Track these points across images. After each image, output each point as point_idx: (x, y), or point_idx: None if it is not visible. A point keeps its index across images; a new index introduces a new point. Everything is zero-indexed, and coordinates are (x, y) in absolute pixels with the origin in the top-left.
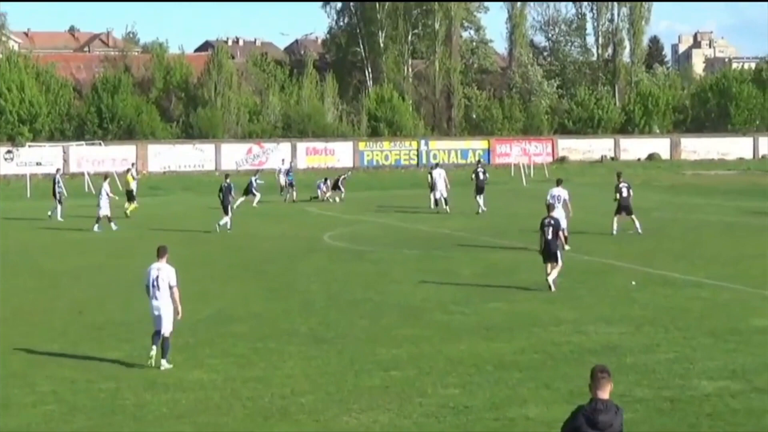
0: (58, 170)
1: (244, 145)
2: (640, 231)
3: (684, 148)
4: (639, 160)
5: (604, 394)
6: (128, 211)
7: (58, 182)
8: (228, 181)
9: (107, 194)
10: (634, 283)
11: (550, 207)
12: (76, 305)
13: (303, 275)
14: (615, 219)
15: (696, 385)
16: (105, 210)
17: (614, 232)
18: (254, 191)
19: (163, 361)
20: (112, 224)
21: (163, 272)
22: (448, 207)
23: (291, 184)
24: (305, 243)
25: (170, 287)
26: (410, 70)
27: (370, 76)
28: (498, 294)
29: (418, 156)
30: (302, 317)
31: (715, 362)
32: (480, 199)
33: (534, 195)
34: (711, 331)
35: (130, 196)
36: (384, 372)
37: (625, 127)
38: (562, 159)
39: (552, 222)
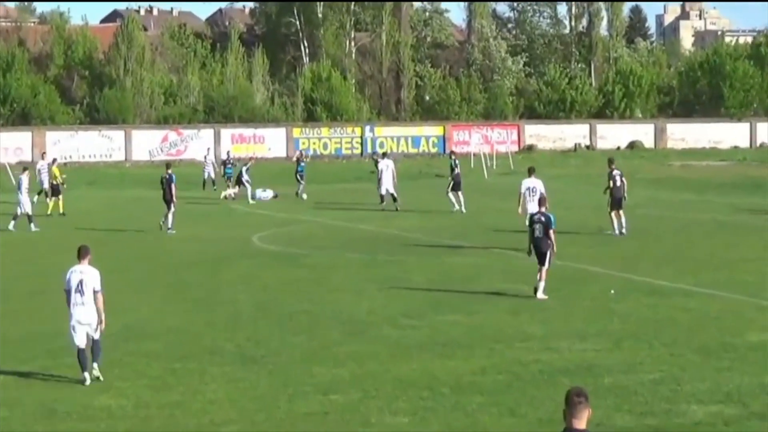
0: None
1: (159, 132)
2: (624, 231)
3: (670, 136)
4: (619, 149)
5: (581, 422)
6: (59, 208)
7: None
8: (170, 171)
9: (26, 189)
10: (613, 291)
11: (542, 200)
12: None
13: (228, 283)
14: (612, 215)
15: (684, 410)
16: (27, 207)
17: (616, 232)
18: (246, 182)
19: (95, 365)
20: (32, 225)
21: (87, 276)
22: (397, 204)
23: (235, 179)
24: (231, 246)
25: (95, 292)
26: (353, 44)
27: (307, 51)
28: (455, 304)
29: (362, 144)
30: (227, 332)
31: (706, 383)
32: (455, 197)
33: (497, 190)
34: (701, 347)
35: (55, 191)
36: (323, 396)
37: (603, 111)
38: (530, 148)
39: (542, 218)
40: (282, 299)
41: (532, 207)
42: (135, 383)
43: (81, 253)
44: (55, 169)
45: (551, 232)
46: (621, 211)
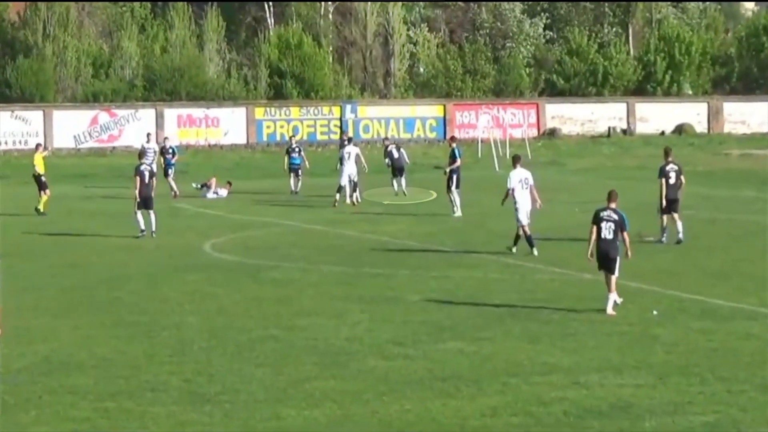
0: None
1: (87, 113)
2: (682, 237)
3: (728, 117)
4: (663, 134)
5: None
6: (41, 206)
7: None
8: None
9: None
10: (655, 313)
11: (611, 196)
12: None
13: (173, 303)
14: (663, 219)
15: None
16: None
17: (664, 239)
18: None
19: None
20: None
21: None
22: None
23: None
24: (177, 256)
25: None
26: (330, 2)
27: (272, 12)
28: (459, 329)
29: (341, 127)
30: (173, 364)
31: None
32: (396, 183)
33: None
34: (767, 384)
35: (41, 184)
36: None
37: (643, 87)
38: (552, 132)
39: (615, 216)
40: (241, 323)
41: (526, 203)
42: (57, 428)
43: None
44: (38, 157)
45: (625, 234)
46: (676, 215)
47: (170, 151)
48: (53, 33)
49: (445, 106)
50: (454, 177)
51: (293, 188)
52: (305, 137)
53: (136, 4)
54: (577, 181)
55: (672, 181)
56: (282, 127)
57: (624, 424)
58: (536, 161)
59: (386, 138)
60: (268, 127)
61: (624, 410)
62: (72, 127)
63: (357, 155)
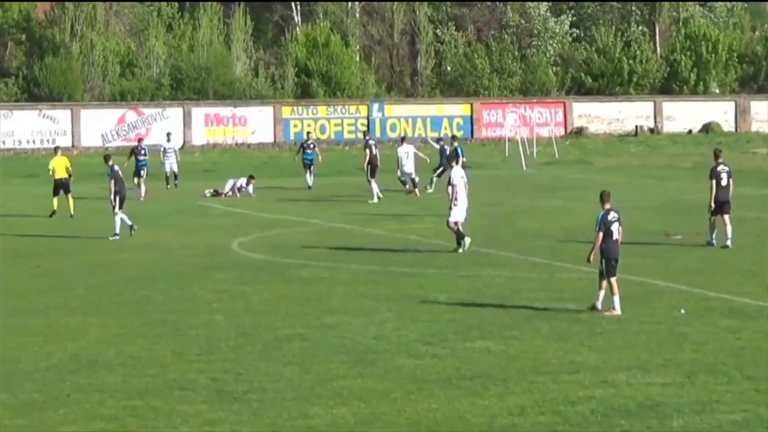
0: None
1: (115, 112)
2: (730, 244)
3: (755, 116)
4: (690, 132)
5: None
6: (72, 210)
7: None
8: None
9: None
10: (683, 311)
11: (609, 196)
12: None
13: (201, 302)
14: (713, 220)
15: None
16: None
17: (713, 240)
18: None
19: None
20: None
21: None
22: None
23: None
24: (205, 255)
25: None
26: (357, 1)
27: (299, 10)
28: (486, 328)
29: (368, 126)
30: (201, 363)
31: None
32: (375, 184)
33: (539, 184)
34: None
35: (66, 188)
36: None
37: (669, 85)
38: (579, 131)
39: (618, 216)
40: (269, 322)
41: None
42: (86, 426)
43: None
44: (61, 160)
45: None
46: (727, 217)
47: (142, 152)
48: (81, 32)
49: (472, 104)
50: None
51: (309, 184)
52: (332, 136)
53: (163, 3)
54: (605, 180)
55: (723, 183)
56: (309, 125)
57: (652, 422)
58: (563, 160)
59: (440, 138)
60: (295, 125)
61: (652, 409)
62: (100, 125)
63: (414, 153)
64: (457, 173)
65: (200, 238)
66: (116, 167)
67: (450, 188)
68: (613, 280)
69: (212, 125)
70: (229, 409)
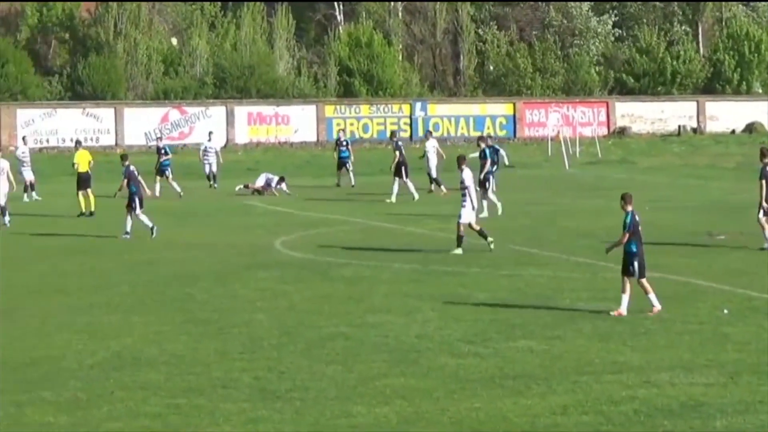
0: None
1: (158, 110)
2: None
3: None
4: (733, 132)
5: None
6: (92, 206)
7: None
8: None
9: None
10: (726, 311)
11: (631, 198)
12: None
13: (244, 300)
14: (764, 221)
15: None
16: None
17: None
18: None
19: None
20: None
21: None
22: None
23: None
24: (247, 254)
25: None
26: (400, 1)
27: (341, 9)
28: (529, 328)
29: (411, 125)
30: (244, 361)
31: None
32: (408, 183)
33: (581, 183)
34: None
35: (87, 183)
36: None
37: (712, 85)
38: (622, 131)
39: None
40: (312, 321)
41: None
42: (129, 423)
43: None
44: (82, 155)
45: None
46: None
47: (163, 150)
48: (124, 31)
49: (514, 104)
50: (491, 178)
51: (340, 181)
52: (375, 135)
53: (206, 2)
54: (648, 180)
55: None
56: (352, 125)
57: (695, 423)
58: (606, 159)
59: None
60: (338, 124)
61: (695, 409)
62: (143, 124)
63: (436, 148)
64: (468, 174)
65: (243, 237)
66: (132, 167)
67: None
68: (644, 280)
69: (255, 124)
70: (271, 408)
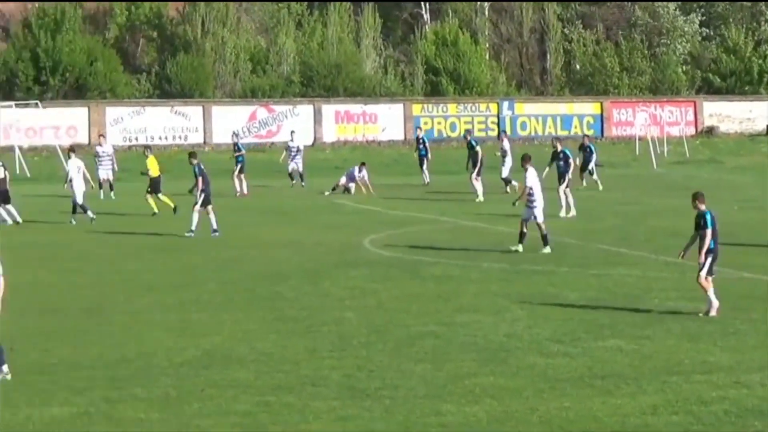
0: None
1: (246, 108)
2: None
3: None
4: None
5: None
6: (155, 207)
7: None
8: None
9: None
10: None
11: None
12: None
13: (333, 298)
14: None
15: None
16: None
17: None
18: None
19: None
20: (89, 212)
21: None
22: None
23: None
24: (336, 252)
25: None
26: (486, 1)
27: (427, 8)
28: (618, 327)
29: (498, 124)
30: (333, 359)
31: None
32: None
33: (669, 183)
34: None
35: (158, 186)
36: None
37: None
38: (710, 130)
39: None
40: (401, 319)
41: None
42: (219, 420)
43: None
44: (154, 159)
45: None
46: None
47: (236, 147)
48: (212, 29)
49: (602, 103)
50: (566, 176)
51: (427, 180)
52: (462, 134)
53: (293, 2)
54: (736, 180)
55: None
56: (439, 123)
57: None
58: (694, 159)
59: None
60: (425, 123)
61: None
62: (231, 122)
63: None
64: (532, 174)
65: (332, 235)
66: (201, 165)
67: (526, 188)
68: (710, 278)
69: (342, 122)
70: (360, 406)
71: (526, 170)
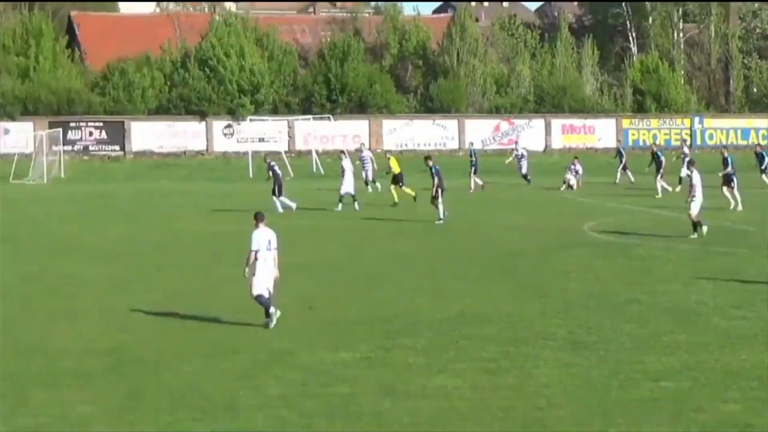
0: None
1: (491, 121)
2: None
3: None
4: None
5: None
6: (396, 198)
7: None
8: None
9: (349, 169)
10: None
11: None
12: (305, 300)
13: (560, 272)
14: None
15: None
16: (346, 187)
17: None
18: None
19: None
20: (356, 206)
21: (273, 236)
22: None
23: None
24: (561, 235)
25: (275, 249)
26: (681, 35)
27: (635, 42)
28: None
29: (691, 135)
30: (559, 319)
31: None
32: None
33: None
34: None
35: (400, 180)
36: (653, 383)
37: None
38: None
39: None
40: (613, 289)
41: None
42: (470, 365)
43: (261, 218)
44: (393, 159)
45: None
46: None
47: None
48: (465, 59)
49: None
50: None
51: (627, 179)
52: (662, 143)
53: (528, 36)
54: None
55: None
56: (643, 134)
57: None
58: None
59: (758, 144)
60: (632, 134)
61: None
62: (479, 132)
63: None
64: (696, 175)
65: (558, 222)
66: (437, 166)
67: (691, 187)
68: None
69: (567, 133)
70: (580, 356)
71: (692, 172)
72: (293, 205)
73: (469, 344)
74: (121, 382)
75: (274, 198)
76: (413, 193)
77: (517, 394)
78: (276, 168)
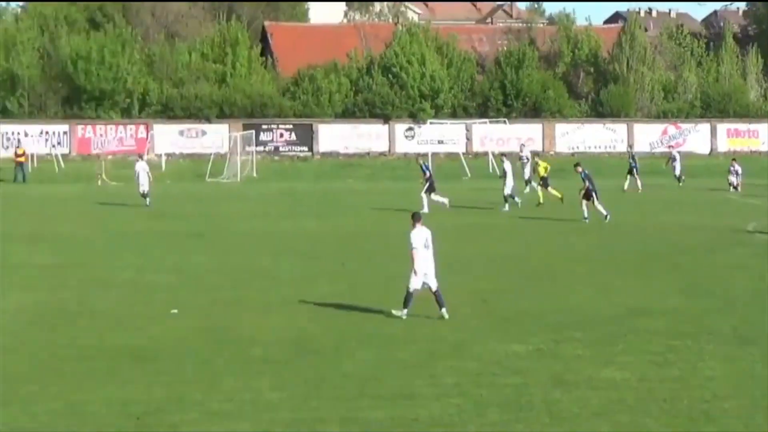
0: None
1: (659, 126)
2: None
3: None
4: None
5: None
6: (541, 199)
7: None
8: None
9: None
10: None
11: None
12: (479, 294)
13: (723, 269)
14: None
15: None
16: (509, 188)
17: None
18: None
19: (444, 311)
20: (517, 199)
21: (429, 235)
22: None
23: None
24: (724, 234)
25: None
26: None
27: None
28: None
29: None
30: (723, 315)
31: None
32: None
33: None
34: None
35: (545, 182)
36: None
37: None
38: None
39: None
40: None
41: None
42: (638, 358)
43: (417, 218)
44: (541, 163)
45: None
46: None
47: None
48: (634, 66)
49: None
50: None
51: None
52: None
53: (695, 45)
54: None
55: None
56: None
57: None
58: None
59: None
60: None
61: None
62: (647, 136)
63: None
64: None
65: (722, 221)
66: (586, 171)
67: None
68: None
69: (732, 137)
70: (745, 350)
71: None
72: (446, 201)
73: (636, 338)
74: (304, 370)
75: (423, 195)
76: (560, 195)
77: (683, 386)
78: (426, 167)
